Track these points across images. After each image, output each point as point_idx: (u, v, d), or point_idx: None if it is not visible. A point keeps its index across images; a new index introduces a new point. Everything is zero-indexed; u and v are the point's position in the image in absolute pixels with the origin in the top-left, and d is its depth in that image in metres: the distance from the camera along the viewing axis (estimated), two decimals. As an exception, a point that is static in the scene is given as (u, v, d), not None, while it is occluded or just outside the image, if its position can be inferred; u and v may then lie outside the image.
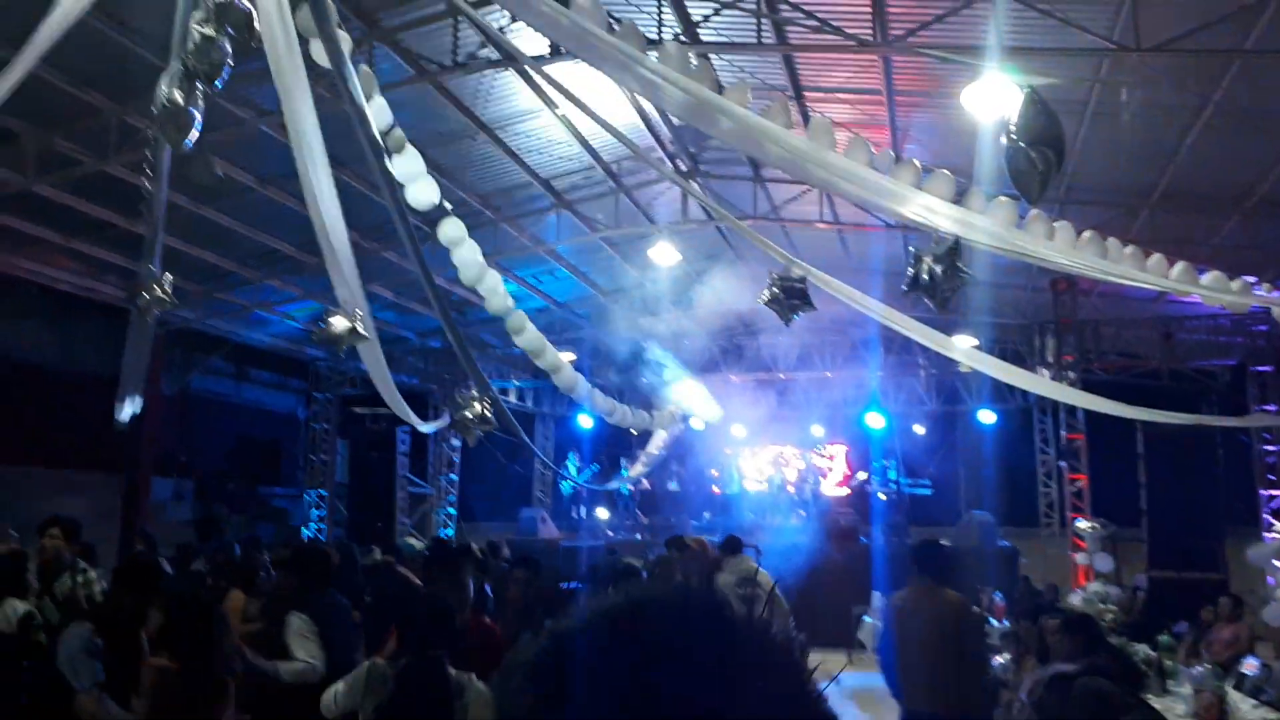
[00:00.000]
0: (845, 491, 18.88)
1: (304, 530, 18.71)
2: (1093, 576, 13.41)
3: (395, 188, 5.13)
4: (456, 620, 4.31)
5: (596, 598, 0.83)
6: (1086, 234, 5.23)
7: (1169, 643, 8.44)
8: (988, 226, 4.76)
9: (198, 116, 3.92)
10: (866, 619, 12.74)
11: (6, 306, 13.40)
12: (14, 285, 13.05)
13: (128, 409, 7.13)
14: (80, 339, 14.57)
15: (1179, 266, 5.61)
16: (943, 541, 14.68)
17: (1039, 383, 12.31)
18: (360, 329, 5.67)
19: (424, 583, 6.60)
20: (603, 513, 19.49)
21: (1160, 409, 8.99)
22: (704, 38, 8.81)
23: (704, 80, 4.42)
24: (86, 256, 12.52)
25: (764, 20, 8.42)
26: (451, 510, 20.38)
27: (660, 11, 8.39)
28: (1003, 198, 4.71)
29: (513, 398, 19.73)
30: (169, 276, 6.79)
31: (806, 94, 9.85)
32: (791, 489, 18.95)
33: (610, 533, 18.42)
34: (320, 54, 4.82)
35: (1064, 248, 5.12)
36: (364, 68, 5.53)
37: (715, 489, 19.81)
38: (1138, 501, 16.06)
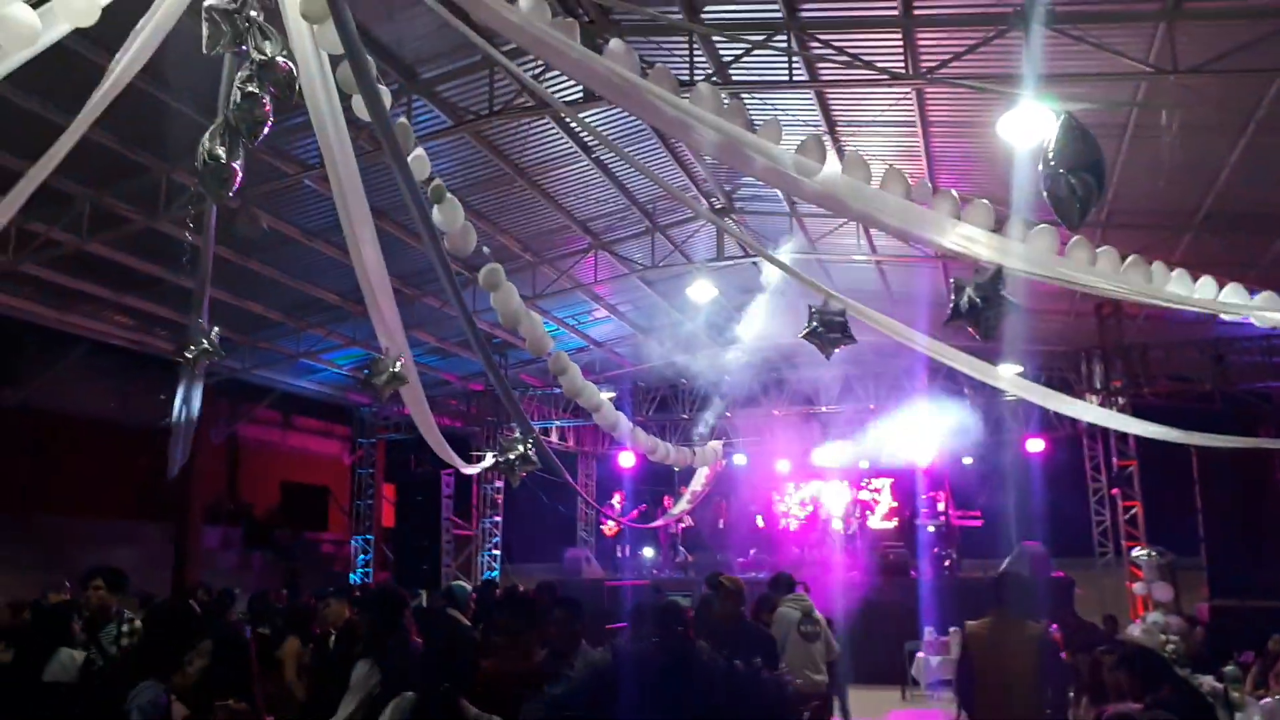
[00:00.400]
0: (893, 525, 18.61)
1: (351, 575, 18.82)
2: (1151, 606, 13.06)
3: (436, 236, 5.21)
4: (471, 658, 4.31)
5: (588, 660, 0.86)
6: (1131, 258, 5.16)
7: (1235, 673, 8.17)
8: (1029, 254, 4.71)
9: (239, 171, 4.02)
10: (920, 655, 12.51)
11: (61, 362, 13.75)
12: (68, 341, 13.41)
13: (179, 460, 7.25)
14: (132, 392, 14.89)
15: (1229, 287, 5.51)
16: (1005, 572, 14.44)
17: (1087, 409, 12.09)
18: (402, 374, 5.73)
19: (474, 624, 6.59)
20: (647, 551, 19.39)
21: (1214, 432, 8.77)
22: (736, 78, 8.90)
23: (736, 120, 4.46)
24: (138, 311, 12.84)
25: (795, 58, 8.49)
26: (495, 552, 20.38)
27: (692, 54, 8.50)
28: (1043, 225, 4.67)
29: (554, 437, 19.78)
30: (216, 329, 6.94)
31: (840, 129, 9.89)
32: (838, 524, 18.72)
33: (655, 571, 18.31)
34: (361, 108, 4.94)
35: (1108, 273, 5.05)
36: (402, 120, 5.65)
37: (760, 525, 19.64)
38: (1195, 528, 15.65)
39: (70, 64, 6.47)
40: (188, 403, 6.95)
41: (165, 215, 9.83)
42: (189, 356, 6.55)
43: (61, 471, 14.00)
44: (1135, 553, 13.97)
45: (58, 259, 10.85)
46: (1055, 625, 11.57)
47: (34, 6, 3.64)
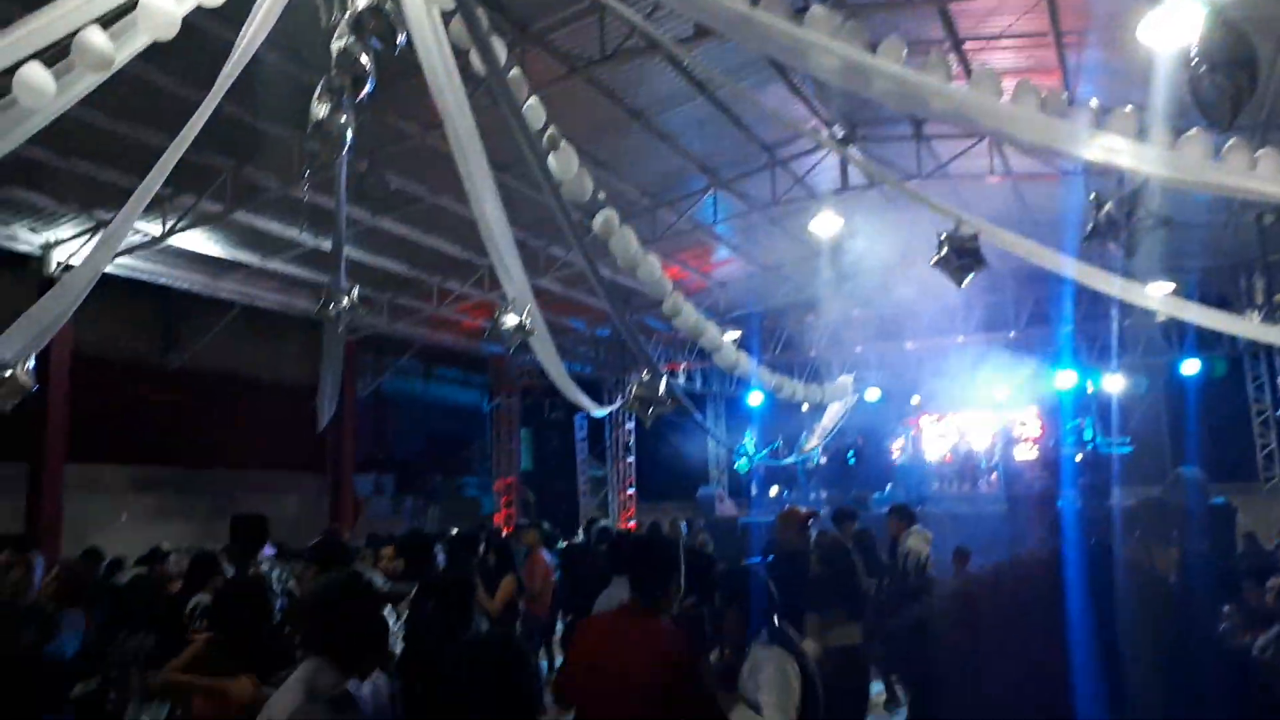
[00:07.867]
0: (1037, 454, 17.98)
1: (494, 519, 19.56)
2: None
3: (554, 185, 5.26)
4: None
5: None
6: (1296, 159, 4.75)
7: None
8: (1179, 162, 4.41)
9: (348, 129, 4.10)
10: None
11: (218, 326, 14.63)
12: (221, 306, 14.25)
13: (326, 414, 7.64)
14: (284, 352, 15.75)
15: None
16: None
17: (1248, 326, 11.29)
18: (528, 324, 5.85)
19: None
20: (780, 489, 19.44)
21: (1396, 345, 8.09)
22: (852, -1, 8.55)
23: (855, 41, 4.30)
24: (283, 275, 13.50)
25: (915, -29, 8.09)
26: (631, 491, 20.77)
27: (805, -24, 8.19)
28: (1194, 130, 4.35)
29: (682, 379, 19.89)
30: (356, 286, 7.22)
31: (967, 44, 9.40)
32: (980, 455, 18.22)
33: (788, 509, 18.33)
34: (476, 62, 4.99)
35: (1272, 176, 4.67)
36: (516, 71, 5.68)
37: (896, 459, 19.32)
38: (1376, 448, 14.55)
39: (203, 42, 6.76)
40: (331, 359, 7.31)
41: (300, 181, 10.23)
42: (331, 315, 6.87)
43: (225, 428, 14.98)
44: (1306, 476, 13.13)
45: (207, 229, 11.49)
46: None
47: (113, 20, 3.78)
